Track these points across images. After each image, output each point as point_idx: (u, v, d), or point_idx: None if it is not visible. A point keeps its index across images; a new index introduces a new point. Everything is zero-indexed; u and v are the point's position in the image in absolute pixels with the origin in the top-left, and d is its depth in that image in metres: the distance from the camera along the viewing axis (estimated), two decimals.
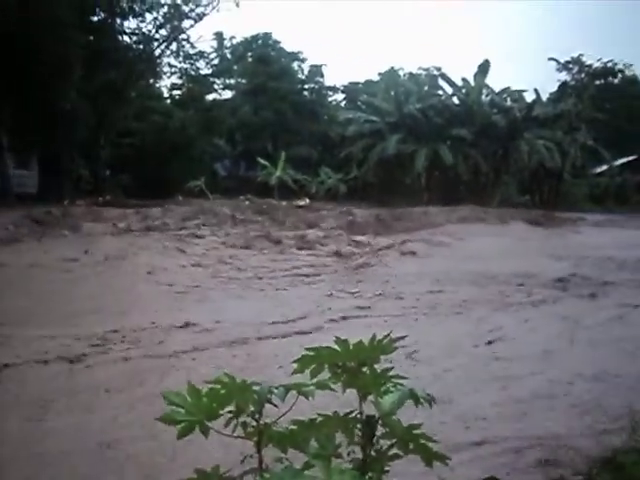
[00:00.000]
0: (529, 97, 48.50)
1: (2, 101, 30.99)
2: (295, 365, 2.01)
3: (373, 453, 1.96)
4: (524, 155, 44.60)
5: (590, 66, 55.46)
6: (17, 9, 27.59)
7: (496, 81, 67.39)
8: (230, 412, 1.83)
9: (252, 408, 1.84)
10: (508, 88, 49.20)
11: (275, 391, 1.86)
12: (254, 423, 1.85)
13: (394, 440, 1.95)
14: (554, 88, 53.53)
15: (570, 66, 54.81)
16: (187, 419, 1.77)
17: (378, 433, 1.96)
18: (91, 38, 36.13)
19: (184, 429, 1.77)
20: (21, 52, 28.64)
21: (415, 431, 1.94)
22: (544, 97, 49.35)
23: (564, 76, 55.10)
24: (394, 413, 1.90)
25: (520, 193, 50.58)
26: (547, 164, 44.97)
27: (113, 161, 41.99)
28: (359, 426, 1.97)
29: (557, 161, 45.05)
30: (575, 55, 54.67)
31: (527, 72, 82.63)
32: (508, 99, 48.90)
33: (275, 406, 1.87)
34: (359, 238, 20.41)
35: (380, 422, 1.94)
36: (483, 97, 47.46)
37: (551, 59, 55.05)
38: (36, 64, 29.15)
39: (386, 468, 1.97)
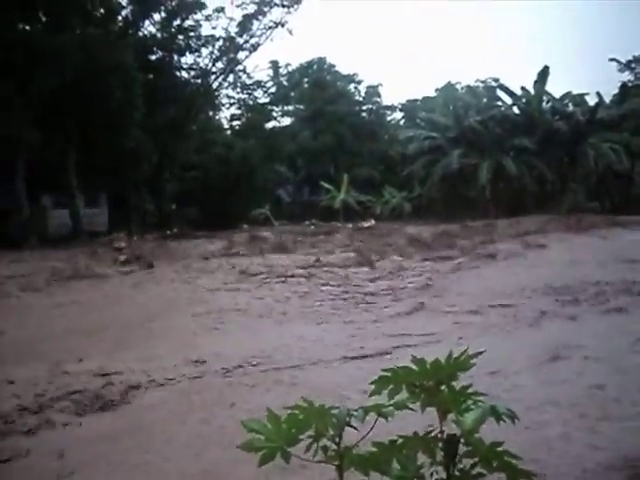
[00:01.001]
0: (591, 100, 47.66)
1: (70, 143, 31.97)
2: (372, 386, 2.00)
3: (456, 473, 1.92)
4: (590, 160, 43.76)
5: None
6: (82, 55, 28.53)
7: (556, 87, 66.31)
8: (310, 437, 1.83)
9: (331, 432, 1.83)
10: (569, 93, 48.39)
11: (354, 413, 1.84)
12: (334, 447, 1.84)
13: (477, 459, 1.91)
14: (615, 90, 52.37)
15: (632, 65, 53.65)
16: (267, 446, 1.77)
17: (460, 452, 1.93)
18: (150, 76, 37.06)
19: (265, 456, 1.77)
20: (86, 96, 29.57)
21: (498, 448, 1.90)
22: (607, 99, 48.38)
23: (626, 76, 53.96)
24: (476, 431, 1.87)
25: (589, 199, 49.47)
26: (615, 167, 44.00)
27: (178, 194, 42.79)
28: (440, 445, 1.94)
29: (625, 163, 44.01)
30: (637, 54, 53.57)
31: (587, 75, 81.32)
32: (570, 104, 48.09)
33: (355, 429, 1.85)
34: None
35: (462, 440, 1.91)
36: (544, 104, 46.78)
37: (612, 59, 54.02)
38: (101, 107, 30.06)
39: None
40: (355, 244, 23.49)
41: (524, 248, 20.50)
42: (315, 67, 60.14)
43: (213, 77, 43.79)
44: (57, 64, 28.10)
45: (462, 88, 58.07)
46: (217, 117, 53.48)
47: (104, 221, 38.28)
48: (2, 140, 28.03)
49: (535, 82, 46.01)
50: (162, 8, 39.67)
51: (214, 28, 41.89)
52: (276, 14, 41.60)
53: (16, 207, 30.48)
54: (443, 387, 1.96)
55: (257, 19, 41.55)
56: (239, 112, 52.44)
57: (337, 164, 53.72)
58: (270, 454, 1.77)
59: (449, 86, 57.86)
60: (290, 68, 59.81)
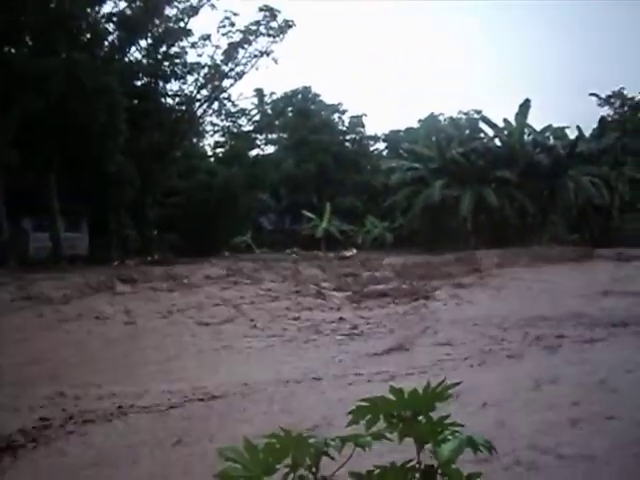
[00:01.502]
0: (571, 134, 48.19)
1: (51, 166, 31.86)
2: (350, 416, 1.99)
3: None
4: (570, 193, 44.11)
5: (633, 99, 54.89)
6: (67, 79, 28.54)
7: (537, 119, 67.06)
8: (287, 466, 1.82)
9: (308, 461, 1.82)
10: (550, 126, 48.88)
11: (332, 443, 1.84)
12: (311, 477, 1.83)
13: None
14: (595, 124, 53.06)
15: (612, 100, 54.45)
16: (245, 475, 1.76)
17: None
18: (135, 102, 37.11)
19: None
20: (69, 119, 29.53)
21: None
22: (586, 133, 48.97)
23: (606, 110, 54.75)
24: (453, 461, 1.86)
25: (569, 231, 49.83)
26: (595, 200, 44.41)
27: (160, 220, 42.68)
28: (417, 476, 1.94)
29: (605, 197, 44.45)
30: (616, 89, 54.43)
31: (567, 108, 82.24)
32: (551, 137, 48.56)
33: (332, 458, 1.85)
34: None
35: (439, 471, 1.91)
36: (525, 137, 47.19)
37: (592, 94, 54.81)
38: (84, 130, 30.02)
39: None
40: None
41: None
42: (300, 96, 60.52)
43: (198, 104, 43.92)
44: (42, 87, 28.09)
45: (445, 119, 58.66)
46: (201, 144, 53.62)
47: (85, 245, 38.06)
48: None
49: (517, 115, 46.45)
50: (148, 34, 39.85)
51: (200, 55, 42.12)
52: (262, 43, 41.96)
53: None
54: (421, 417, 1.96)
55: (243, 47, 41.81)
56: (223, 139, 52.53)
57: (320, 193, 53.92)
58: None
59: (432, 117, 58.38)
60: (275, 97, 60.12)
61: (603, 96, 54.47)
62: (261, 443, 1.81)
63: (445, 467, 1.88)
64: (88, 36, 34.47)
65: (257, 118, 55.22)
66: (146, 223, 41.26)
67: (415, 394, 1.94)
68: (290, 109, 59.26)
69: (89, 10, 34.19)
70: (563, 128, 49.12)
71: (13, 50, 31.47)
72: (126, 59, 39.92)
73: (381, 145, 64.39)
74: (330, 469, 1.90)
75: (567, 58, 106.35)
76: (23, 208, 33.66)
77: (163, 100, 42.94)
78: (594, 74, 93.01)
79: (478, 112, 54.55)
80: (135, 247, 39.23)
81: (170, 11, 39.99)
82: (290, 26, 41.66)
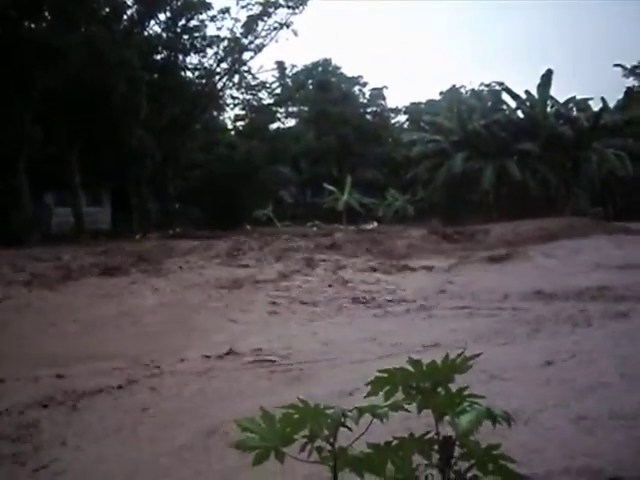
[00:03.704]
0: (595, 105, 47.58)
1: (74, 140, 32.01)
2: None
3: (452, 475, 1.91)
4: (594, 165, 43.70)
5: None
6: (86, 53, 28.58)
7: (561, 91, 66.21)
8: (304, 437, 1.82)
9: (326, 432, 1.82)
10: (573, 97, 48.26)
11: (349, 414, 1.83)
12: (329, 447, 1.83)
13: (473, 461, 1.90)
14: (620, 95, 52.30)
15: (637, 71, 53.63)
16: (262, 445, 1.76)
17: (456, 454, 1.92)
18: (155, 76, 37.11)
19: (259, 456, 1.76)
20: (90, 93, 29.61)
21: (494, 452, 1.89)
22: (611, 104, 48.31)
23: (631, 82, 53.96)
24: (472, 433, 1.85)
25: (592, 204, 49.37)
26: (619, 173, 43.92)
27: (181, 194, 42.83)
28: (436, 448, 1.93)
29: (629, 169, 43.94)
30: None
31: (591, 80, 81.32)
32: (574, 109, 47.98)
33: (349, 429, 1.85)
34: None
35: (458, 443, 1.90)
36: (548, 108, 46.64)
37: (617, 65, 54.02)
38: (105, 105, 30.10)
39: None
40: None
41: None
42: (320, 69, 60.18)
43: (218, 77, 43.84)
44: (62, 62, 28.15)
45: (466, 92, 58.16)
46: (221, 117, 53.59)
47: (107, 219, 38.33)
48: (4, 137, 28.08)
49: (539, 86, 45.86)
50: (167, 8, 39.74)
51: (219, 29, 41.96)
52: (281, 15, 41.67)
53: (18, 204, 30.48)
54: (440, 389, 1.95)
55: (262, 20, 41.57)
56: (243, 112, 52.52)
57: (341, 166, 53.76)
58: (264, 454, 1.76)
59: (454, 89, 57.94)
60: (295, 69, 59.90)
61: (628, 67, 53.68)
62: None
63: (463, 439, 1.87)
64: (107, 10, 34.47)
65: (277, 91, 55.12)
66: (167, 197, 41.43)
67: (434, 366, 1.93)
68: (310, 82, 58.94)
69: None
70: (587, 100, 48.46)
71: (33, 25, 31.51)
72: (145, 33, 39.89)
73: (402, 117, 64.16)
74: (348, 441, 1.90)
75: (592, 28, 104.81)
76: (45, 183, 33.91)
77: (183, 74, 42.94)
78: (619, 44, 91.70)
79: (500, 84, 53.79)
80: (156, 221, 39.41)
81: None
82: None
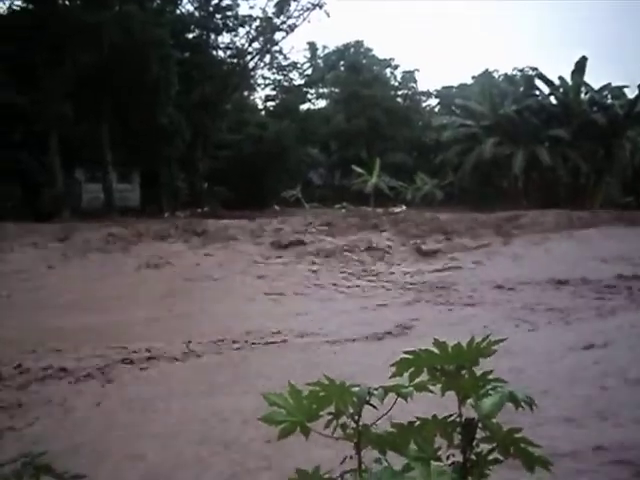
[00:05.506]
0: (631, 93, 46.77)
1: (104, 118, 32.22)
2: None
3: (473, 457, 1.94)
4: (627, 153, 43.08)
5: None
6: (119, 31, 28.71)
7: (595, 78, 65.16)
8: (330, 414, 1.86)
9: (351, 410, 1.85)
10: (608, 85, 47.43)
11: (374, 392, 1.87)
12: (353, 425, 1.87)
13: (494, 444, 1.93)
14: None
15: None
16: (288, 420, 1.80)
17: (478, 436, 1.94)
18: (187, 54, 37.18)
19: (285, 430, 1.80)
20: (121, 71, 29.77)
21: (516, 435, 1.91)
22: None
23: None
24: (494, 416, 1.88)
25: (624, 194, 48.67)
26: None
27: (210, 173, 42.97)
28: (458, 429, 1.96)
29: None
30: None
31: (628, 68, 79.85)
32: (609, 96, 47.24)
33: (375, 408, 1.88)
34: None
35: (480, 425, 1.92)
36: (582, 95, 45.99)
37: None
38: (137, 82, 30.25)
39: (486, 472, 1.94)
40: None
41: None
42: (352, 50, 59.78)
43: (249, 57, 43.83)
44: (94, 40, 28.32)
45: (499, 76, 57.47)
46: (252, 97, 53.65)
47: (136, 197, 38.63)
48: (35, 113, 28.35)
49: (573, 72, 45.24)
50: None
51: (252, 8, 42.16)
52: None
53: (50, 180, 30.81)
54: (464, 372, 1.97)
55: (295, 0, 41.45)
56: (274, 93, 52.50)
57: (370, 148, 53.46)
58: (290, 428, 1.80)
59: (486, 74, 57.19)
60: (327, 50, 59.60)
61: None
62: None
63: (486, 421, 1.90)
64: None
65: (308, 72, 54.97)
66: (196, 175, 41.57)
67: (459, 348, 1.95)
68: (342, 63, 58.66)
69: None
70: (622, 87, 47.61)
71: (67, 2, 31.68)
72: (177, 11, 39.93)
73: (433, 101, 63.60)
74: (372, 418, 1.93)
75: (629, 14, 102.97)
76: (76, 159, 34.22)
77: (214, 53, 42.95)
78: None
79: (534, 69, 53.07)
80: (185, 199, 39.59)
81: None
82: None
